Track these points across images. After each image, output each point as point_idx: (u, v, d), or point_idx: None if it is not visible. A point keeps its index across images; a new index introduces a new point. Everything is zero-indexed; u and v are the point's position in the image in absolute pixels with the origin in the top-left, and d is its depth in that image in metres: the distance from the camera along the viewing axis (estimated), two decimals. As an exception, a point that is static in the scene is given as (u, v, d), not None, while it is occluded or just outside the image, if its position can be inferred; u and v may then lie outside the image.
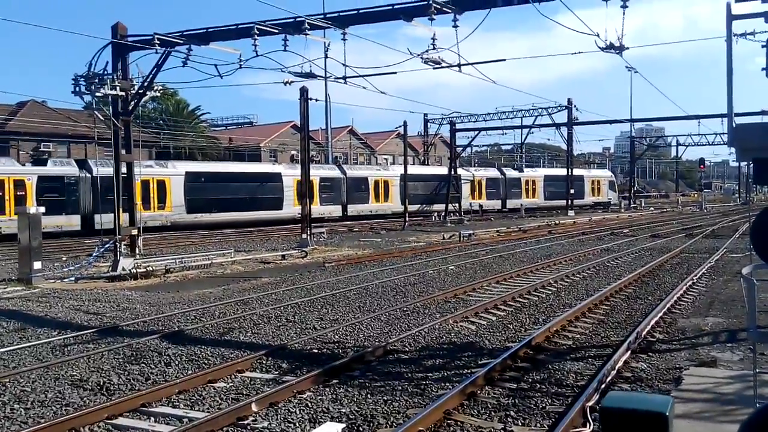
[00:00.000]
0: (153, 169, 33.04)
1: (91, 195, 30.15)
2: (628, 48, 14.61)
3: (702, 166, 66.88)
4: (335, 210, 42.63)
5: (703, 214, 50.90)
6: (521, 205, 52.23)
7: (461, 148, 51.28)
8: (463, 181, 48.10)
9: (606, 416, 1.39)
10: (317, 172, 40.63)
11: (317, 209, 38.01)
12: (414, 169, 48.10)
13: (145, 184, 30.92)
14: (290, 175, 39.02)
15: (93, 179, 30.23)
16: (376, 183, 45.54)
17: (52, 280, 16.45)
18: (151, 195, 32.90)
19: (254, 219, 36.96)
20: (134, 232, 18.46)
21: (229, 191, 36.62)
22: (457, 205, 46.03)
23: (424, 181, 48.07)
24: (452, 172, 44.99)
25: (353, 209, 43.48)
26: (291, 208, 38.03)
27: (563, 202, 53.18)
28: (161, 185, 33.74)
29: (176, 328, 10.36)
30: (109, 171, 34.70)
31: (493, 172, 56.25)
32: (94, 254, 18.77)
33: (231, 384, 7.49)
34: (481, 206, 50.02)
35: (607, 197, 63.01)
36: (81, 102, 18.21)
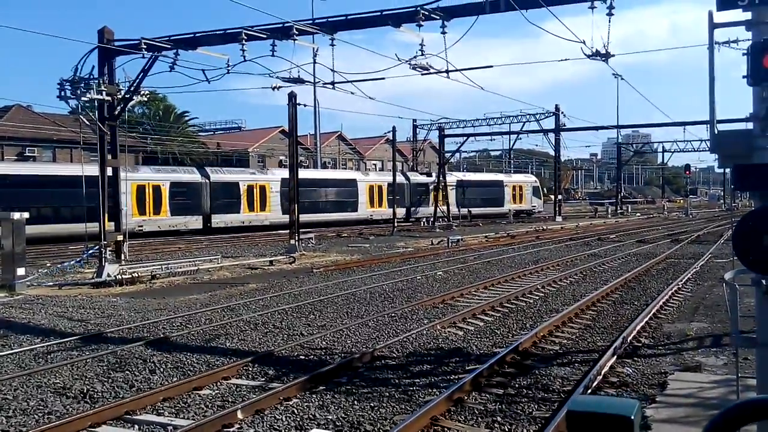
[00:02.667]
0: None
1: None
2: (614, 55, 14.77)
3: (687, 172, 67.53)
4: (192, 221, 35.18)
5: (688, 219, 51.40)
6: (431, 214, 45.14)
7: (450, 154, 51.48)
8: (359, 186, 43.60)
9: (572, 420, 1.40)
10: (165, 177, 33.63)
11: (167, 220, 33.43)
12: (305, 173, 42.53)
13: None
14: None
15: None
16: (250, 189, 38.16)
17: (48, 284, 16.25)
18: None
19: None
20: (120, 237, 18.31)
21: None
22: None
23: (317, 187, 42.02)
24: (442, 178, 44.92)
25: (219, 220, 36.17)
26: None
27: (482, 210, 49.56)
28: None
29: (161, 335, 10.27)
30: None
31: (398, 178, 50.61)
32: (75, 260, 18.58)
33: (217, 391, 7.43)
34: (371, 215, 44.29)
35: (530, 204, 57.40)
36: (67, 107, 18.08)
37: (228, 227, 35.88)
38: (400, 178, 47.45)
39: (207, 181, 36.02)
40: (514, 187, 56.62)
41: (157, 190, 33.63)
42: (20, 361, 8.84)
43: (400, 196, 45.96)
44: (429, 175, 51.06)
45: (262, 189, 38.52)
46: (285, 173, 40.03)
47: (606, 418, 1.36)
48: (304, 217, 38.91)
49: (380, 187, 45.76)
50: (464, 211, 48.30)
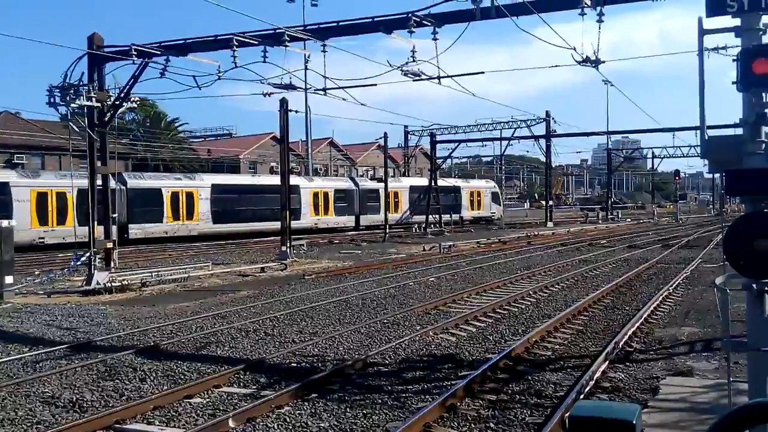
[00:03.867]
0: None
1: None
2: (604, 62, 14.84)
3: (677, 178, 68.10)
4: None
5: (678, 225, 51.74)
6: (381, 222, 41.65)
7: (441, 160, 51.59)
8: (302, 193, 40.66)
9: (574, 425, 1.40)
10: (71, 182, 22.45)
11: (73, 231, 22.33)
12: (238, 179, 41.26)
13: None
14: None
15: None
16: (175, 196, 34.66)
17: (36, 293, 16.08)
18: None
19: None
20: (109, 245, 18.17)
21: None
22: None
23: (254, 193, 38.45)
24: (433, 184, 44.94)
25: (138, 230, 32.71)
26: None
27: (437, 218, 46.30)
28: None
29: (152, 343, 10.18)
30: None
31: (343, 182, 47.14)
32: (66, 268, 18.42)
33: (208, 400, 7.36)
34: (316, 224, 41.57)
35: (489, 211, 54.61)
36: (56, 113, 17.96)
37: (148, 238, 32.54)
38: (347, 184, 46.15)
39: (123, 187, 32.34)
40: (471, 193, 53.96)
41: (61, 197, 29.21)
42: (8, 370, 8.73)
43: (348, 203, 44.43)
44: (380, 180, 47.02)
45: (189, 196, 35.42)
46: (216, 179, 38.33)
47: (608, 423, 1.37)
48: (238, 227, 36.34)
49: (326, 194, 43.12)
50: (417, 218, 45.80)
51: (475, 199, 54.20)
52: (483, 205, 54.89)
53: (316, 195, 42.42)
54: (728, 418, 1.23)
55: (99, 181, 18.36)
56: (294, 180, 42.55)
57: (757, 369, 4.43)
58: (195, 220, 35.73)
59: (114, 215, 20.18)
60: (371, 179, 50.16)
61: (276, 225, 39.56)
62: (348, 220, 44.63)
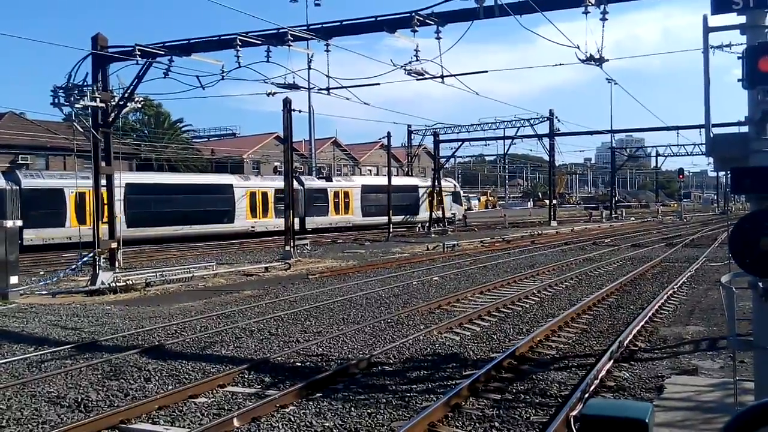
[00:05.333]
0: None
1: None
2: (608, 60, 14.81)
3: (681, 176, 67.86)
4: None
5: (682, 223, 51.59)
6: (330, 224, 40.81)
7: (445, 159, 51.52)
8: (236, 193, 37.12)
9: (586, 424, 1.39)
10: None
11: None
12: (161, 177, 36.65)
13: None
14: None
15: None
16: (80, 197, 29.57)
17: (41, 293, 16.13)
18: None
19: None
20: (114, 245, 18.21)
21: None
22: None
23: (180, 193, 35.33)
24: (437, 183, 44.74)
25: (34, 235, 28.90)
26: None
27: (393, 219, 42.26)
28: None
29: (156, 343, 10.20)
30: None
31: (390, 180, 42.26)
32: (70, 268, 18.47)
33: (212, 399, 7.37)
34: (253, 227, 38.06)
35: (449, 212, 49.35)
36: (60, 114, 18.02)
37: (47, 244, 29.36)
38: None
39: (15, 187, 29.31)
40: (430, 193, 48.26)
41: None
42: (14, 370, 8.75)
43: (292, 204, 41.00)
44: (328, 179, 45.64)
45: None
46: (131, 177, 32.46)
47: (620, 422, 1.36)
48: (156, 231, 31.79)
49: (265, 194, 38.96)
50: (370, 219, 42.63)
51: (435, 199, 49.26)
52: (443, 205, 48.78)
53: (253, 195, 38.39)
54: (741, 417, 1.22)
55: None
56: (226, 178, 39.32)
57: (764, 367, 4.41)
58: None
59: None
60: (319, 178, 46.05)
61: (209, 229, 35.23)
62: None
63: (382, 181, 47.20)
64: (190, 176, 42.60)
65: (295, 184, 40.22)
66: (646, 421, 1.36)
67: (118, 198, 31.66)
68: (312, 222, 41.06)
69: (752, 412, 1.22)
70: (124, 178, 32.08)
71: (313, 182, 43.34)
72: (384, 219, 42.75)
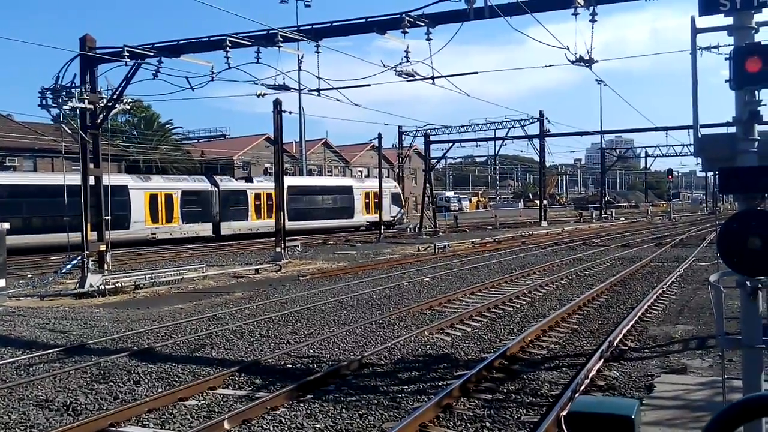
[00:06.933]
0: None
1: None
2: (597, 61, 14.87)
3: (670, 177, 68.29)
4: None
5: (671, 223, 51.95)
6: (250, 229, 37.90)
7: (435, 160, 51.59)
8: (131, 196, 32.52)
9: (573, 421, 1.40)
10: None
11: None
12: (37, 178, 32.16)
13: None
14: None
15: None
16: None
17: (29, 296, 15.97)
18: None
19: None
20: (103, 247, 18.07)
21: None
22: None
23: (57, 196, 28.41)
24: (429, 185, 44.75)
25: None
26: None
27: (323, 223, 41.46)
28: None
29: (146, 346, 10.13)
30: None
31: (194, 182, 37.47)
32: (60, 270, 18.31)
33: (202, 402, 7.33)
34: (154, 234, 33.74)
35: (389, 215, 46.22)
36: (48, 115, 17.86)
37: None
38: (202, 184, 36.98)
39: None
40: (367, 195, 45.80)
41: None
42: (1, 373, 8.66)
43: (203, 207, 36.22)
44: (249, 180, 42.25)
45: None
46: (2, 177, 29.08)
47: (607, 419, 1.37)
48: (33, 239, 27.16)
49: (170, 197, 34.77)
50: (299, 224, 38.45)
51: (371, 201, 45.39)
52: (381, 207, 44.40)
53: (153, 198, 33.90)
54: (726, 413, 1.23)
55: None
56: (118, 179, 31.06)
57: (751, 366, 4.45)
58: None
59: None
60: (237, 179, 42.94)
61: (60, 237, 23.88)
62: (202, 229, 36.12)
63: (312, 181, 45.67)
64: (33, 175, 35.72)
65: (207, 185, 37.53)
66: (633, 417, 1.38)
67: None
68: (228, 227, 37.26)
69: (732, 410, 1.23)
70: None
71: (229, 183, 39.52)
72: (315, 224, 40.69)
